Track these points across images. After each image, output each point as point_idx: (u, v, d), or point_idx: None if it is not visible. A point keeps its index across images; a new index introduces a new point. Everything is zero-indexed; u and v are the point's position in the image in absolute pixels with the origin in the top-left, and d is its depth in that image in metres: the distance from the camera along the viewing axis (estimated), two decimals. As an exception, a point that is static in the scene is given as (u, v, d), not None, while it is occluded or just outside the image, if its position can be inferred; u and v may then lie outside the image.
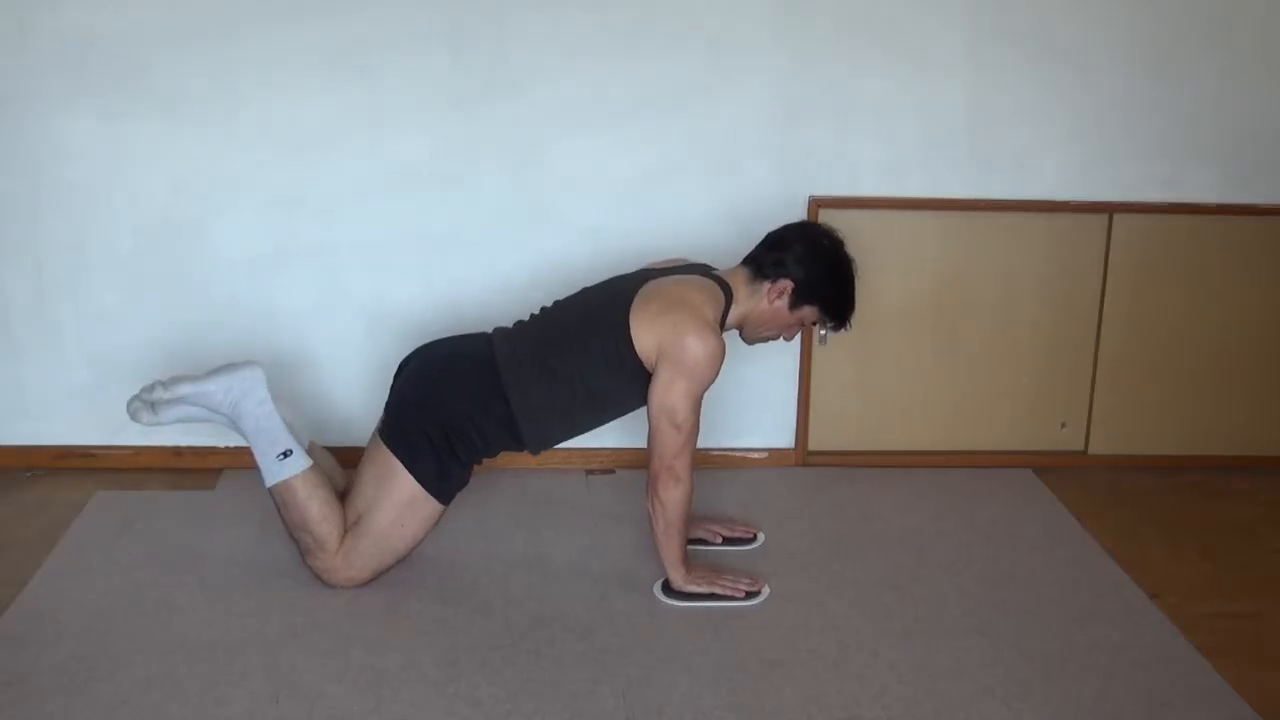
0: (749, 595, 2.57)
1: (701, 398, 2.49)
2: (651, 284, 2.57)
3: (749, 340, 2.73)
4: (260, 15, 2.94)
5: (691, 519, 2.81)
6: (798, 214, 3.16)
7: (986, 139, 3.16)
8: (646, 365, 2.49)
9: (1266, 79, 3.18)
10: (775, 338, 2.71)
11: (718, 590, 2.56)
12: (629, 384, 2.54)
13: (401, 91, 3.02)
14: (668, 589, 2.58)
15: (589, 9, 3.00)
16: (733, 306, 2.58)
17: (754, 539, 2.85)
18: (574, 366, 2.52)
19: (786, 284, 2.58)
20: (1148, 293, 3.30)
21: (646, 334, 2.47)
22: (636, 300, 2.52)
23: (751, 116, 3.10)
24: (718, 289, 2.56)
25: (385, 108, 3.02)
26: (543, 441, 2.58)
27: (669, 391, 2.45)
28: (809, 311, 2.62)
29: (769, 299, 2.59)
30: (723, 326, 2.57)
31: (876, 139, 3.14)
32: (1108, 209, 3.23)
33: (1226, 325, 3.34)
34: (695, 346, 2.43)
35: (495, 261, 3.15)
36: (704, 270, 2.67)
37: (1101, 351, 3.34)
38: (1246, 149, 3.22)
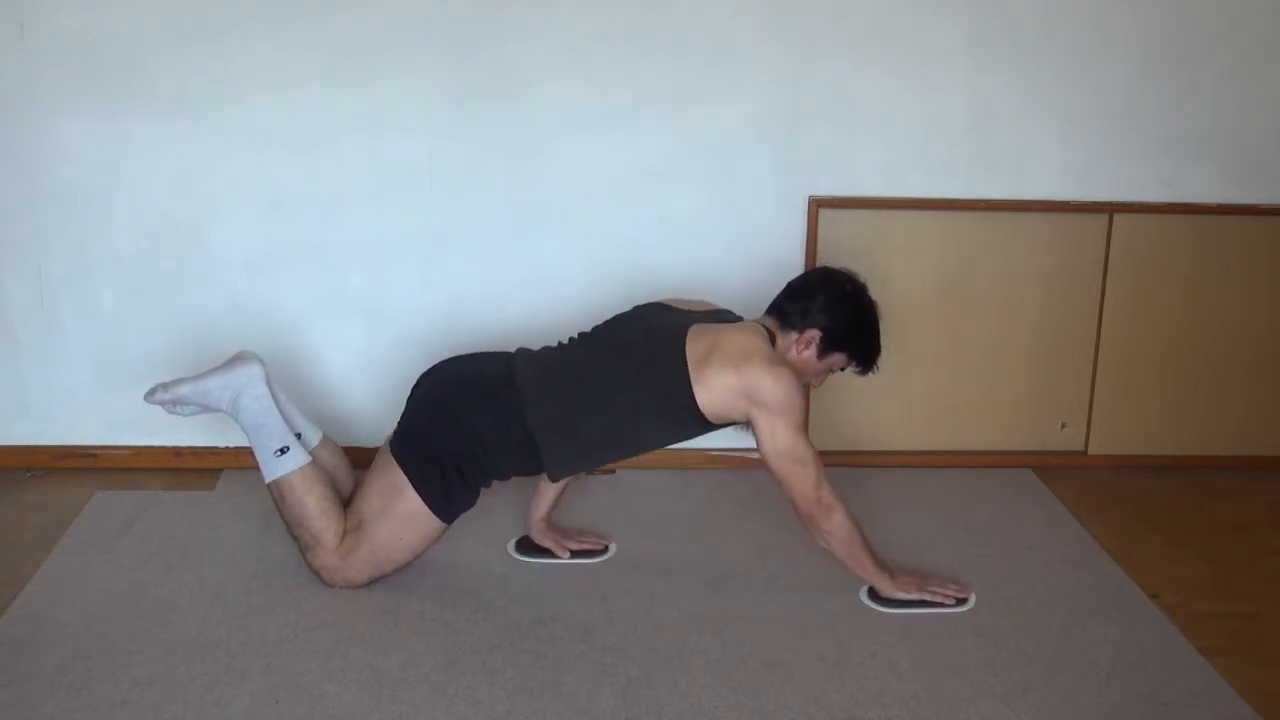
0: (959, 602, 2.57)
1: (805, 425, 2.48)
2: (700, 334, 2.50)
3: None
4: (260, 15, 2.95)
5: (546, 527, 2.79)
6: (798, 214, 3.16)
7: (987, 139, 3.16)
8: (715, 420, 2.48)
9: (1266, 79, 3.18)
10: (805, 385, 2.70)
11: (926, 597, 2.55)
12: (676, 430, 2.53)
13: (401, 91, 3.02)
14: (875, 596, 2.57)
15: (589, 9, 3.00)
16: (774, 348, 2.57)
17: (605, 550, 2.81)
18: (612, 410, 2.49)
19: (814, 334, 2.55)
20: (1148, 293, 3.31)
21: (715, 394, 2.44)
22: (690, 354, 2.46)
23: (751, 116, 3.10)
24: (760, 328, 2.55)
25: (385, 108, 3.03)
26: (566, 472, 2.58)
27: (776, 437, 2.43)
28: (837, 358, 2.60)
29: (797, 349, 2.56)
30: None
31: (877, 139, 3.14)
32: (1108, 209, 3.23)
33: (1226, 325, 3.34)
34: (777, 387, 2.42)
35: (495, 261, 3.15)
36: (733, 318, 2.65)
37: (1101, 351, 3.34)
38: (1246, 149, 3.22)
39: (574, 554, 2.76)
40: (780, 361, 2.48)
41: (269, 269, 3.12)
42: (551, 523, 2.82)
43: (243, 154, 3.03)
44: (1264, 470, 3.39)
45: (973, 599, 2.60)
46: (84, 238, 3.06)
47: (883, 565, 2.55)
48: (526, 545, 2.79)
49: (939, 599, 2.56)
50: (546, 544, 2.77)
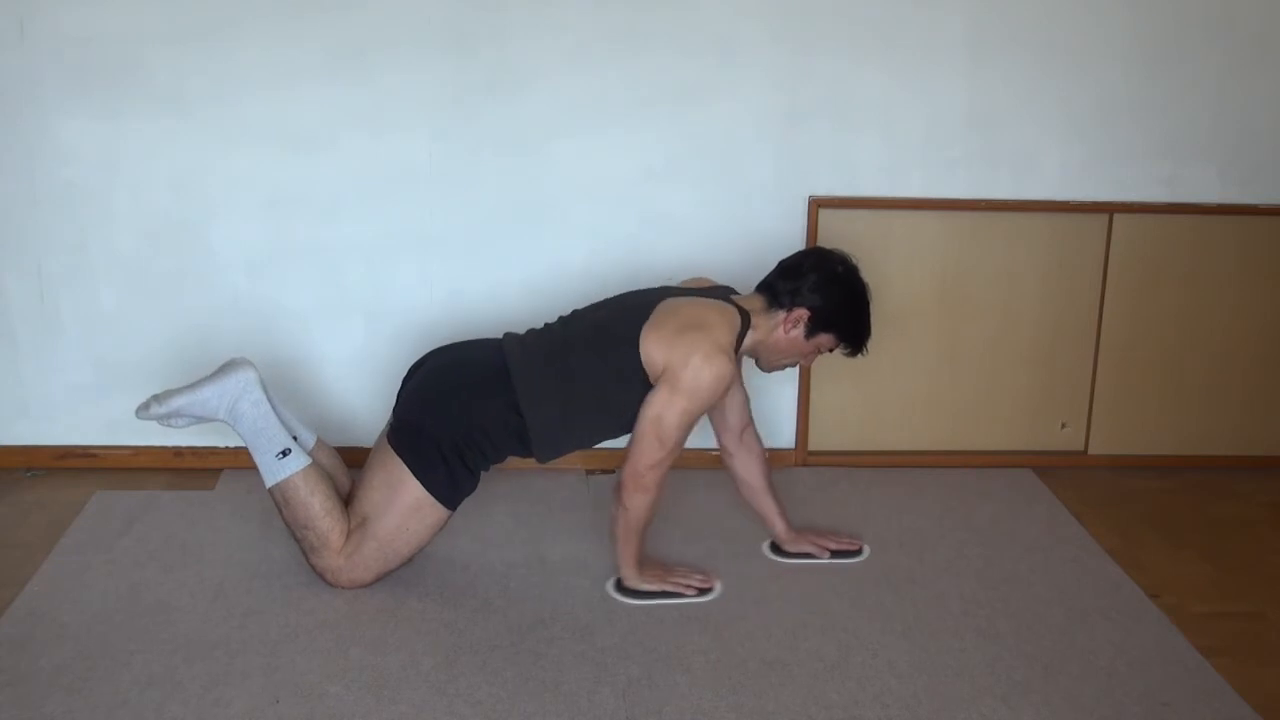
0: (701, 592, 2.58)
1: (696, 420, 2.49)
2: (669, 301, 2.56)
3: (766, 368, 2.71)
4: (260, 14, 2.94)
5: (798, 531, 2.82)
6: (798, 214, 3.16)
7: (987, 139, 3.16)
8: (652, 379, 2.49)
9: (1266, 79, 3.18)
10: (793, 365, 2.70)
11: (668, 588, 2.57)
12: (640, 398, 2.53)
13: (402, 90, 3.02)
14: (620, 587, 2.59)
15: (589, 8, 3.00)
16: (749, 333, 2.57)
17: (860, 551, 2.82)
18: (588, 380, 2.51)
19: (802, 313, 2.56)
20: (1148, 293, 3.31)
21: (657, 349, 2.47)
22: (652, 316, 2.52)
23: (751, 116, 3.10)
24: (735, 314, 2.55)
25: (385, 107, 3.03)
26: (553, 452, 2.58)
27: (667, 407, 2.45)
28: (825, 339, 2.61)
29: (785, 328, 2.57)
30: (737, 352, 2.56)
31: (877, 139, 3.14)
32: (1108, 209, 3.23)
33: (1227, 325, 3.34)
34: (703, 370, 2.43)
35: (495, 261, 3.15)
36: (724, 294, 2.65)
37: (1101, 351, 3.34)
38: (1246, 149, 3.22)
39: (833, 554, 2.78)
40: (723, 351, 2.46)
41: (268, 268, 3.12)
42: (797, 528, 2.82)
43: (242, 153, 3.03)
44: (1264, 470, 3.39)
45: (718, 587, 2.61)
46: (84, 237, 3.06)
47: (640, 558, 2.58)
48: (781, 551, 2.81)
49: (680, 589, 2.57)
50: (804, 548, 2.78)
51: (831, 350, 2.65)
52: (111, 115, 2.98)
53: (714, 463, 3.29)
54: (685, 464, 3.27)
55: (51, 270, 3.08)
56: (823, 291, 2.56)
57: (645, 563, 2.60)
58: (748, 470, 2.82)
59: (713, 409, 2.80)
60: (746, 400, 2.81)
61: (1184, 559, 2.85)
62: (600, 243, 3.15)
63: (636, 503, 2.51)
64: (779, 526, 2.80)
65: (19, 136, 2.99)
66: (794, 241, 3.16)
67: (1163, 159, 3.21)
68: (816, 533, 2.83)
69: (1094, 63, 3.13)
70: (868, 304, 2.62)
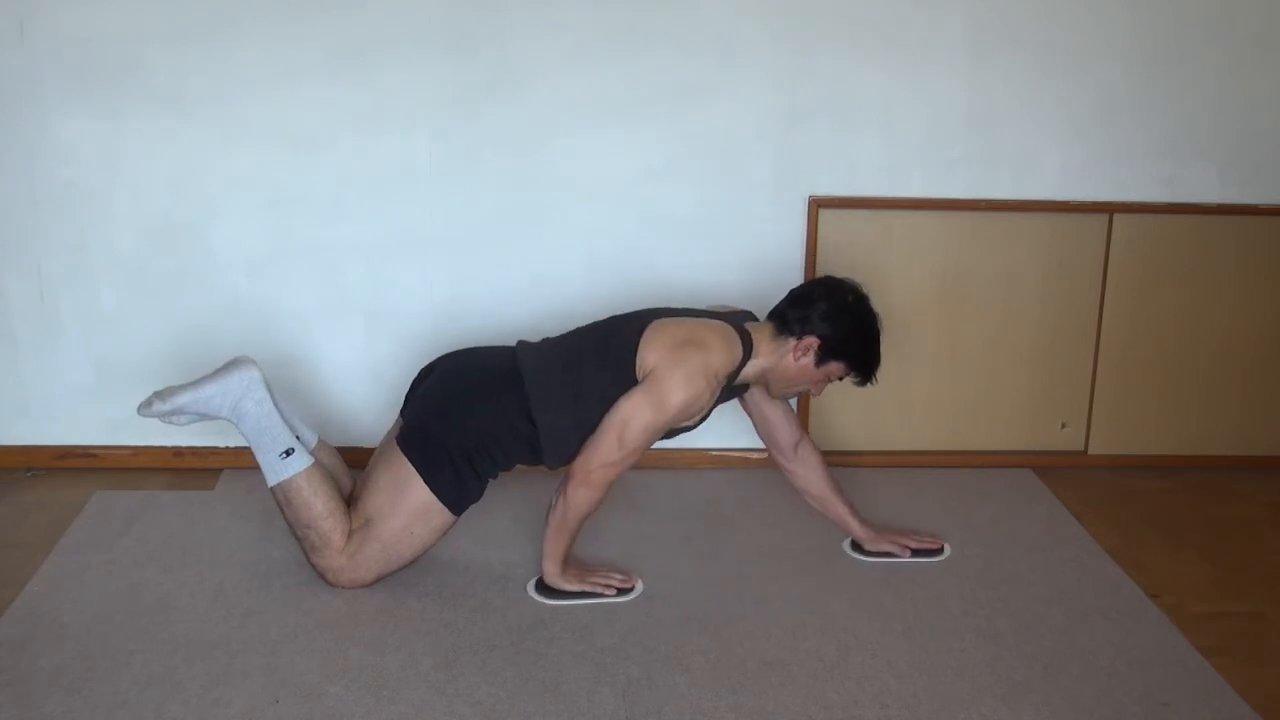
0: (621, 592, 2.58)
1: (660, 432, 2.50)
2: (678, 318, 2.58)
3: (776, 395, 2.72)
4: (260, 14, 2.94)
5: (878, 530, 2.81)
6: (798, 214, 3.16)
7: (987, 139, 3.16)
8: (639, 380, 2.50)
9: (1266, 79, 3.18)
10: (804, 392, 2.70)
11: (588, 588, 2.57)
12: None
13: (401, 90, 3.02)
14: (541, 588, 2.58)
15: (589, 8, 3.00)
16: (751, 361, 2.57)
17: (941, 550, 2.83)
18: (595, 387, 2.52)
19: (812, 341, 2.56)
20: (1148, 293, 3.30)
21: (651, 354, 2.48)
22: (655, 323, 2.53)
23: (751, 116, 3.10)
24: (738, 341, 2.55)
25: (385, 107, 3.02)
26: (563, 459, 2.58)
27: (636, 413, 2.46)
28: (835, 367, 2.61)
29: (794, 356, 2.57)
30: (733, 378, 2.57)
31: (877, 139, 3.14)
32: (1108, 209, 3.23)
33: (1227, 325, 3.34)
34: (681, 389, 2.44)
35: (495, 261, 3.15)
36: (740, 319, 2.65)
37: (1101, 351, 3.34)
38: (1246, 149, 3.22)
39: (914, 553, 2.78)
40: (708, 379, 2.47)
41: (269, 269, 3.12)
42: (878, 527, 2.83)
43: (242, 153, 3.03)
44: (1265, 470, 3.39)
45: (640, 586, 2.61)
46: (84, 237, 3.06)
47: (565, 558, 2.58)
48: (862, 550, 2.81)
49: (599, 589, 2.57)
50: (884, 548, 2.78)
51: (841, 379, 2.65)
52: (111, 115, 2.98)
53: (718, 462, 3.30)
54: (684, 464, 3.27)
55: (51, 270, 3.08)
56: (833, 320, 2.56)
57: (568, 562, 2.60)
58: (809, 482, 2.83)
59: (757, 429, 2.84)
60: (789, 413, 2.82)
61: (1184, 559, 2.85)
62: (600, 243, 3.15)
63: (580, 498, 2.51)
64: (857, 528, 2.81)
65: (19, 136, 2.99)
66: (794, 241, 3.16)
67: (1163, 159, 3.21)
68: (897, 531, 2.84)
69: (1094, 63, 3.13)
70: (878, 334, 2.62)
